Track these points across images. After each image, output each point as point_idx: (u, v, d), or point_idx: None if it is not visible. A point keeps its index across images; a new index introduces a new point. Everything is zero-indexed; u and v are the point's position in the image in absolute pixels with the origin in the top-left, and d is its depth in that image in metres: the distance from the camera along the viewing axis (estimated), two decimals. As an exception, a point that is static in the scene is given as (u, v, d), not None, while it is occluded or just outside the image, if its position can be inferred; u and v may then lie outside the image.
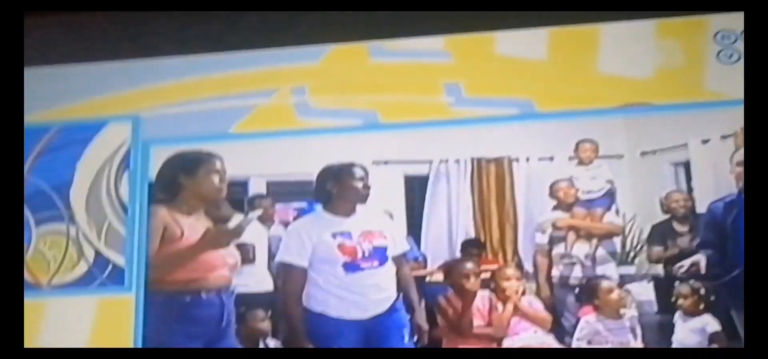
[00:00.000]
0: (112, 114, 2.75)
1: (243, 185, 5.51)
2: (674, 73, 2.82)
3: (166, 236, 2.54)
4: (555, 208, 4.11)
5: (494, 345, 3.29)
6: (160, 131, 2.65)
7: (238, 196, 5.36)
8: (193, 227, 2.57)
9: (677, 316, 3.39)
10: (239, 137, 2.80)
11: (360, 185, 2.84)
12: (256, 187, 5.48)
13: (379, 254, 2.84)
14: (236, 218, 3.98)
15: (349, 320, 2.77)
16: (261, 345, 3.32)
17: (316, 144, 4.31)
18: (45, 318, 2.52)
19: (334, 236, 2.80)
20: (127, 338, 2.51)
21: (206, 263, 2.55)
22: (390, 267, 2.84)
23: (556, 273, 3.85)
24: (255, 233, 3.92)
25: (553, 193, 4.16)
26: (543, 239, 4.03)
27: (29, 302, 2.46)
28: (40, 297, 2.49)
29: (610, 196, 4.35)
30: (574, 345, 3.31)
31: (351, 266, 2.80)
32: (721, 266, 3.14)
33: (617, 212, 4.38)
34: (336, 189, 2.87)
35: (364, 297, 2.81)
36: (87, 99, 2.84)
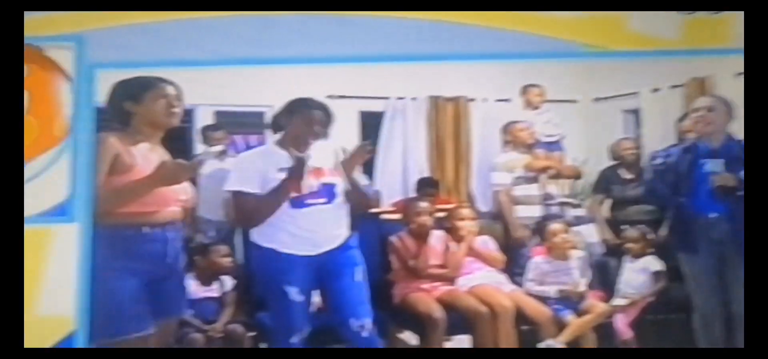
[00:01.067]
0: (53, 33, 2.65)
1: (188, 113, 5.41)
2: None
3: (116, 166, 2.45)
4: (509, 149, 4.03)
5: (448, 285, 3.32)
6: (106, 55, 2.57)
7: (182, 125, 5.26)
8: (146, 157, 2.48)
9: (625, 258, 3.50)
10: (186, 64, 2.69)
11: (316, 125, 2.79)
12: (204, 117, 5.39)
13: (327, 192, 2.81)
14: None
15: (299, 255, 2.77)
16: (216, 284, 3.30)
17: (269, 75, 4.25)
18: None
19: (280, 169, 2.76)
20: (70, 270, 2.47)
21: (159, 198, 2.48)
22: (340, 204, 2.82)
23: (519, 212, 3.83)
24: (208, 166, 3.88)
25: (509, 133, 4.10)
26: (506, 179, 3.96)
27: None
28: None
29: (562, 140, 4.45)
30: (526, 285, 3.39)
31: (297, 202, 2.77)
32: (666, 211, 3.23)
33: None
34: (290, 125, 2.82)
35: (314, 233, 2.78)
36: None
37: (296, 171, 2.63)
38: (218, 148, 4.31)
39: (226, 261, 3.36)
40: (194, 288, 3.20)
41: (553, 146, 4.30)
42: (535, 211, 3.80)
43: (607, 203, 3.97)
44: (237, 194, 2.70)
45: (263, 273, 2.76)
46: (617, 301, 3.40)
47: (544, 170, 3.93)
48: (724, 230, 2.80)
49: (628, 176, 3.92)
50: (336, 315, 2.73)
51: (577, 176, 4.30)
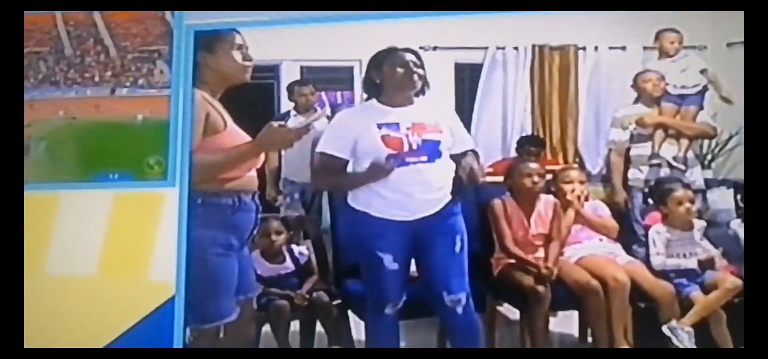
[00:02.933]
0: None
1: (274, 69, 5.46)
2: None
3: (208, 126, 2.46)
4: (636, 102, 3.89)
5: (553, 253, 3.16)
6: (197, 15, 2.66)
7: (268, 81, 5.34)
8: (223, 119, 2.49)
9: (738, 223, 3.22)
10: (270, 22, 2.69)
11: (407, 72, 2.68)
12: (290, 73, 5.43)
13: (430, 149, 2.71)
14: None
15: (393, 220, 2.66)
16: (284, 259, 3.27)
17: (357, 29, 4.19)
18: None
19: (379, 127, 2.69)
20: (171, 235, 2.56)
21: (246, 164, 2.50)
22: (444, 164, 2.72)
23: (635, 173, 3.67)
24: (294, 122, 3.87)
25: (637, 85, 3.92)
26: (623, 135, 3.82)
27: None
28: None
29: (703, 92, 4.11)
30: (656, 262, 3.15)
31: (395, 160, 2.69)
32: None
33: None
34: (381, 78, 2.74)
35: (411, 196, 2.71)
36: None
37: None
38: (325, 111, 4.29)
39: (281, 238, 3.27)
40: (264, 266, 3.17)
41: (689, 99, 3.96)
42: (644, 173, 3.60)
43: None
44: (323, 156, 2.65)
45: (355, 239, 2.71)
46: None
47: (659, 126, 3.69)
48: None
49: None
50: (430, 287, 2.64)
51: (705, 135, 3.98)
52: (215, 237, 2.27)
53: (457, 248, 2.61)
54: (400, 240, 2.60)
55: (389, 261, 2.57)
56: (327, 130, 2.77)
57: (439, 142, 2.62)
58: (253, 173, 2.42)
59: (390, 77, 2.65)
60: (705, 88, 3.90)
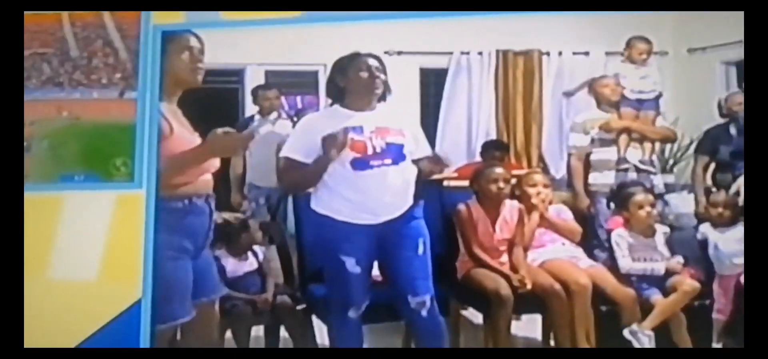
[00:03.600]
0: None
1: (238, 73, 5.46)
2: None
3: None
4: (593, 107, 3.94)
5: (518, 258, 3.21)
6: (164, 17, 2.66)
7: (233, 86, 5.34)
8: (180, 120, 2.48)
9: (707, 228, 3.31)
10: (234, 24, 2.71)
11: (371, 77, 2.73)
12: (255, 77, 5.43)
13: (394, 152, 2.75)
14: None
15: (357, 223, 2.69)
16: (250, 257, 3.28)
17: (322, 32, 4.21)
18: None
19: (344, 130, 2.73)
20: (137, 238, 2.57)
21: (200, 168, 2.50)
22: (408, 168, 2.76)
23: (596, 178, 3.75)
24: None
25: (594, 90, 4.01)
26: (583, 140, 3.89)
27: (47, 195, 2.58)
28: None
29: (659, 97, 4.22)
30: (622, 265, 3.22)
31: (359, 163, 2.72)
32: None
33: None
34: (345, 83, 2.78)
35: (376, 199, 2.75)
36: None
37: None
38: (272, 116, 4.32)
39: (258, 236, 3.31)
40: (230, 264, 3.18)
41: (647, 104, 4.06)
42: (610, 178, 3.66)
43: (707, 166, 3.77)
44: (288, 161, 2.68)
45: (318, 242, 2.75)
46: (716, 277, 3.21)
47: (624, 130, 3.77)
48: None
49: (736, 133, 3.70)
50: (395, 289, 2.68)
51: (668, 139, 4.09)
52: (167, 241, 2.28)
53: (421, 251, 2.66)
54: (363, 244, 2.64)
55: (352, 265, 2.61)
56: (291, 135, 2.80)
57: (402, 145, 2.67)
58: (208, 176, 2.43)
59: (354, 82, 2.69)
60: (660, 94, 4.01)
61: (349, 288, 2.64)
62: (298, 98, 5.20)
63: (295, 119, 4.20)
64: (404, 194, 2.68)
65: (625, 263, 3.19)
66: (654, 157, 3.88)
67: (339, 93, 2.73)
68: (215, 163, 2.47)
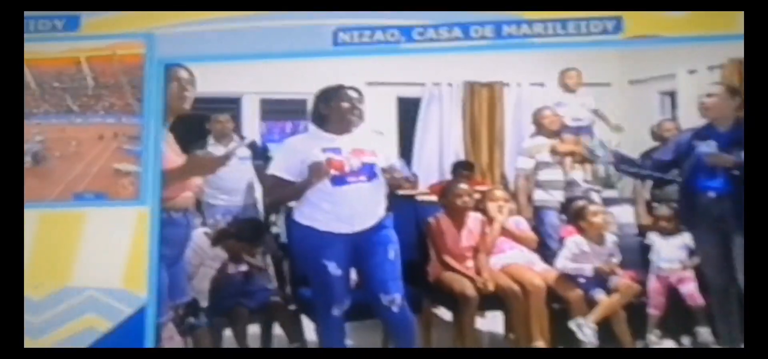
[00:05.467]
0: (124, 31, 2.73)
1: (235, 101, 5.52)
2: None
3: None
4: (536, 134, 4.04)
5: (481, 263, 3.30)
6: (171, 51, 2.65)
7: (232, 112, 5.37)
8: (169, 143, 2.51)
9: (654, 236, 3.42)
10: (238, 58, 2.78)
11: (352, 106, 2.83)
12: (251, 105, 5.49)
13: (368, 170, 2.85)
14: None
15: (336, 232, 2.77)
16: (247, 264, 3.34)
17: (312, 66, 4.28)
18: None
19: (323, 151, 2.81)
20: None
21: (180, 185, 2.53)
22: (380, 184, 2.86)
23: (542, 195, 3.87)
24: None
25: (536, 120, 4.12)
26: (529, 163, 4.02)
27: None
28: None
29: (592, 124, 4.37)
30: (559, 263, 3.34)
31: (338, 180, 2.81)
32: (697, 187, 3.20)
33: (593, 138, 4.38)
34: (328, 110, 2.87)
35: (352, 211, 2.84)
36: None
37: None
38: (246, 141, 4.24)
39: (254, 250, 3.35)
40: (230, 267, 3.26)
41: (583, 130, 4.22)
42: (559, 196, 3.80)
43: (648, 184, 3.89)
44: (274, 178, 2.77)
45: (303, 250, 2.83)
46: (653, 278, 3.33)
47: (568, 154, 3.92)
48: (725, 209, 2.87)
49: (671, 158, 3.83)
50: (370, 290, 2.77)
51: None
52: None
53: (392, 256, 2.76)
54: (342, 250, 2.74)
55: (333, 268, 2.71)
56: (276, 155, 2.91)
57: (374, 165, 2.76)
58: (189, 194, 2.48)
59: (335, 110, 2.78)
60: (594, 121, 4.17)
61: (332, 289, 2.73)
62: (291, 124, 5.24)
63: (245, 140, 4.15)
64: (376, 207, 2.77)
65: (560, 263, 3.33)
66: (591, 176, 4.06)
67: (321, 119, 2.82)
68: (197, 182, 2.52)
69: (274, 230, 3.72)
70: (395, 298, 2.72)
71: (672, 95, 5.13)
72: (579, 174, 3.93)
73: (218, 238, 3.27)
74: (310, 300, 3.00)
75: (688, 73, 4.90)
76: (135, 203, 2.46)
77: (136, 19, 2.60)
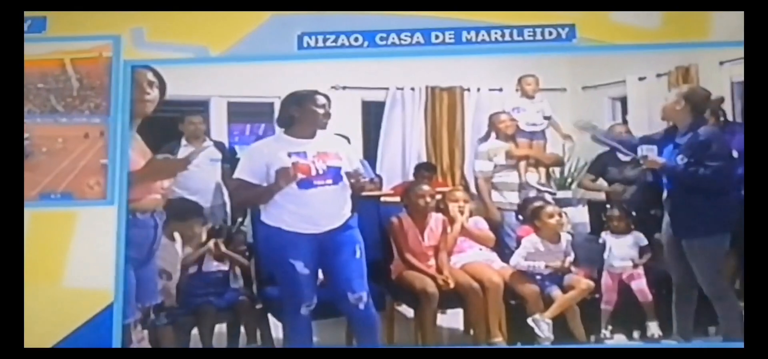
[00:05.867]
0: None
1: (204, 104, 5.47)
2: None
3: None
4: (491, 138, 4.09)
5: (442, 261, 3.34)
6: (138, 53, 2.64)
7: (199, 114, 5.32)
8: (135, 145, 2.49)
9: (607, 235, 3.51)
10: (206, 60, 2.77)
11: (321, 111, 2.85)
12: (219, 108, 5.44)
13: (333, 174, 2.87)
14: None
15: (303, 233, 2.80)
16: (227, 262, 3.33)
17: (278, 69, 4.28)
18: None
19: (289, 155, 2.83)
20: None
21: (146, 187, 2.50)
22: (344, 186, 2.88)
23: (497, 197, 3.95)
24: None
25: (492, 123, 4.20)
26: (488, 166, 4.08)
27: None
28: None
29: (545, 130, 4.46)
30: (513, 261, 3.40)
31: (305, 184, 2.83)
32: (651, 191, 3.30)
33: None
34: (298, 114, 2.88)
35: (318, 212, 2.86)
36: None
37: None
38: (207, 144, 4.20)
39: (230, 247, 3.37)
40: (208, 264, 3.26)
41: (537, 135, 4.32)
42: (513, 197, 3.89)
43: (596, 185, 3.99)
44: (240, 182, 2.77)
45: (271, 250, 2.85)
46: (606, 275, 3.41)
47: (523, 158, 4.00)
48: (670, 208, 3.01)
49: (625, 158, 3.93)
50: (336, 288, 2.79)
51: (557, 163, 4.34)
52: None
53: (358, 255, 2.80)
54: (309, 250, 2.76)
55: (301, 267, 2.74)
56: (242, 158, 2.92)
57: (339, 168, 2.78)
58: (156, 196, 2.46)
59: (309, 113, 2.79)
60: (548, 126, 4.33)
61: (300, 288, 2.75)
62: (247, 127, 5.20)
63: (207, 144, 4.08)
64: (342, 208, 2.80)
65: (513, 260, 3.40)
66: (544, 179, 4.15)
67: (289, 121, 2.83)
68: (164, 184, 2.51)
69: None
70: (361, 296, 2.75)
71: (622, 100, 5.27)
72: (533, 177, 4.02)
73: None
74: (276, 298, 3.02)
75: (638, 80, 5.05)
76: (102, 203, 2.44)
77: (104, 22, 2.57)
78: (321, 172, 2.76)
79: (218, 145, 4.16)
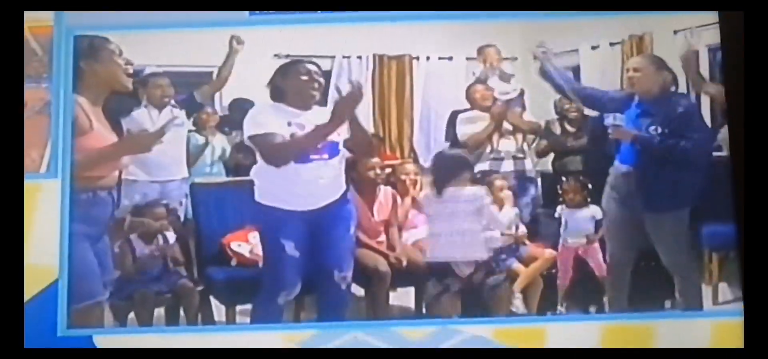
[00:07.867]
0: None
1: (138, 74, 5.20)
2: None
3: (76, 127, 2.44)
4: (469, 110, 4.03)
5: (394, 238, 3.27)
6: (80, 20, 2.56)
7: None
8: (100, 119, 2.46)
9: (562, 209, 3.49)
10: (142, 27, 2.67)
11: (305, 78, 2.79)
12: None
13: (331, 148, 2.81)
14: (144, 116, 3.68)
15: (297, 210, 2.77)
16: (159, 242, 3.18)
17: (217, 36, 4.10)
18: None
19: (288, 124, 2.75)
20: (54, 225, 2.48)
21: (113, 164, 2.50)
22: (341, 160, 2.84)
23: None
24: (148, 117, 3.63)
25: (469, 96, 4.08)
26: (471, 128, 3.95)
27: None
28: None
29: (522, 95, 4.39)
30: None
31: (302, 158, 2.74)
32: (602, 162, 3.28)
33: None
34: (285, 84, 2.80)
35: (315, 188, 2.80)
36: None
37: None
38: (179, 114, 3.96)
39: (163, 223, 3.21)
40: (139, 246, 3.09)
41: (514, 102, 4.23)
42: (506, 166, 3.86)
43: (547, 154, 3.97)
44: (265, 137, 2.68)
45: (262, 231, 2.80)
46: (561, 250, 3.41)
47: (498, 126, 3.95)
48: (631, 183, 2.97)
49: (570, 129, 3.92)
50: (322, 264, 2.78)
51: (535, 131, 4.28)
52: (75, 228, 2.28)
53: (351, 231, 2.77)
54: (302, 228, 2.69)
55: (291, 248, 2.67)
56: (251, 113, 2.81)
57: (337, 142, 2.71)
58: (115, 173, 2.42)
59: (294, 83, 2.66)
60: (523, 91, 4.17)
61: (285, 272, 2.65)
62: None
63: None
64: (338, 182, 2.70)
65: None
66: (525, 145, 4.04)
67: (280, 93, 2.71)
68: (126, 161, 2.50)
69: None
70: (346, 276, 2.73)
71: (575, 69, 5.27)
72: (511, 144, 3.96)
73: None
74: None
75: (591, 49, 5.05)
76: (45, 176, 2.37)
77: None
78: (319, 146, 2.68)
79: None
